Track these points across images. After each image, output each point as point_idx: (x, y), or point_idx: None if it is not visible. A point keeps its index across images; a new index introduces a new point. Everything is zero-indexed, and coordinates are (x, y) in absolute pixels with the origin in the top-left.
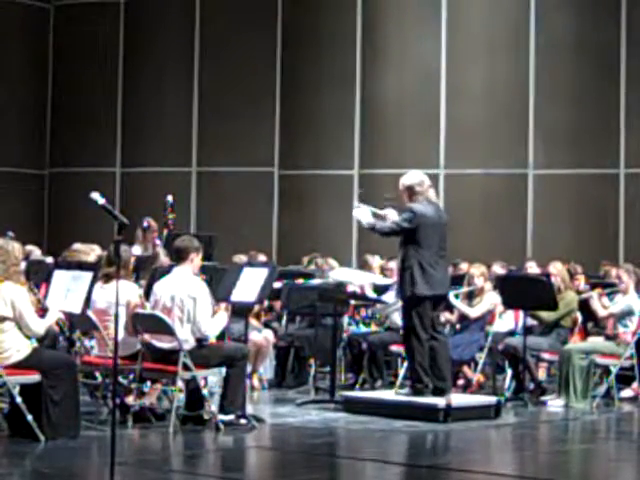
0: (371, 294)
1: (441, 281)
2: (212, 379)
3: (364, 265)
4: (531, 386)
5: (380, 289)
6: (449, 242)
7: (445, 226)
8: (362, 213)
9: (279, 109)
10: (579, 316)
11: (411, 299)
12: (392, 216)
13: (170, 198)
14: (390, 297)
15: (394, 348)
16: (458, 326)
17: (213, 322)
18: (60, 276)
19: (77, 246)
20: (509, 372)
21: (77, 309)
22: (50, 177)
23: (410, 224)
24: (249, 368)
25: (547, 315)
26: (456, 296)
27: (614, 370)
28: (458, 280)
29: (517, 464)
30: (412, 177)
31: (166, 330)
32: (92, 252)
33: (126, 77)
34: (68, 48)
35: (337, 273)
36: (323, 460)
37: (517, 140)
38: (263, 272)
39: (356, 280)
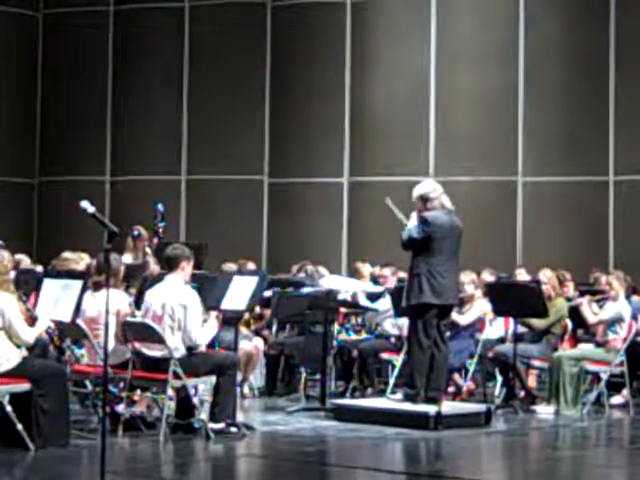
0: (364, 302)
1: (450, 290)
2: (202, 387)
3: (354, 272)
4: (521, 393)
5: (372, 297)
6: None
7: (459, 234)
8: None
9: (269, 117)
10: (569, 323)
11: (418, 307)
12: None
13: (161, 206)
14: (382, 304)
15: (385, 356)
16: (448, 333)
17: (204, 330)
18: (50, 285)
19: (67, 255)
20: (499, 379)
21: (67, 318)
22: (39, 185)
23: (421, 235)
24: (239, 376)
25: (537, 322)
26: None
27: (604, 377)
28: None
29: (507, 471)
30: (424, 186)
31: (156, 338)
32: (82, 261)
33: (115, 85)
34: (57, 56)
35: (327, 281)
36: (314, 468)
37: (506, 147)
38: (253, 280)
39: (346, 288)
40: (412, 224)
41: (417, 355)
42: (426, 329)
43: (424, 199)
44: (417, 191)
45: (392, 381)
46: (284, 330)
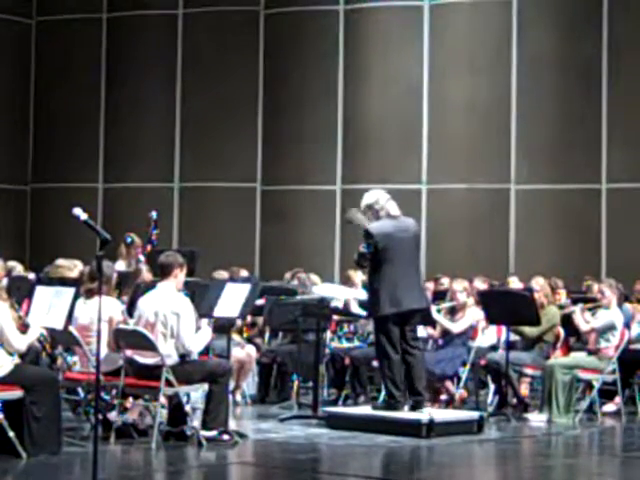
0: (357, 310)
1: (409, 296)
2: (195, 395)
3: (347, 280)
4: (514, 401)
5: (364, 304)
6: (431, 257)
7: (412, 238)
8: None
9: (262, 124)
10: (562, 331)
11: (377, 320)
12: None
13: (154, 214)
14: None
15: (377, 363)
16: (441, 341)
17: (197, 338)
18: (42, 292)
19: (60, 262)
20: (492, 387)
21: (59, 325)
22: (32, 192)
23: (370, 249)
24: (232, 384)
25: (530, 330)
26: (438, 311)
27: (597, 385)
28: (440, 295)
29: (500, 479)
30: (368, 197)
31: (148, 346)
32: (75, 268)
33: (108, 92)
34: (50, 63)
35: (320, 288)
36: (306, 476)
37: (499, 155)
38: (245, 288)
39: (339, 295)
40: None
41: (386, 366)
42: (390, 340)
43: (370, 210)
44: (363, 203)
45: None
46: (277, 338)
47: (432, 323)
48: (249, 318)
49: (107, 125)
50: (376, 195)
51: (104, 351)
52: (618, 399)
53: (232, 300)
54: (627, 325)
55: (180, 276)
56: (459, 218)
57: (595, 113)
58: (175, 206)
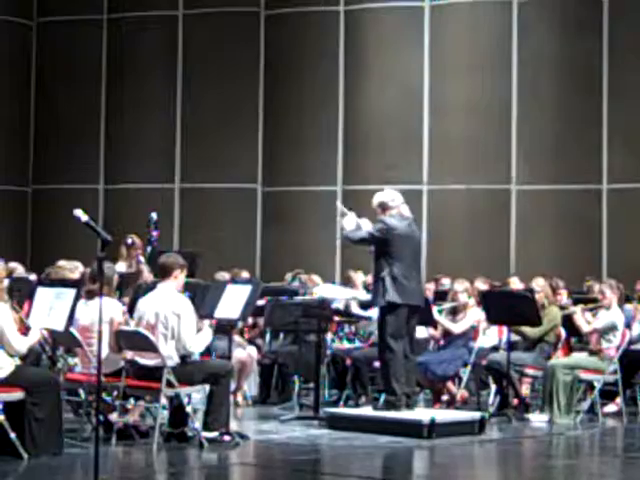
0: (357, 310)
1: (414, 292)
2: (196, 396)
3: (347, 281)
4: (515, 402)
5: (365, 305)
6: (432, 258)
7: (418, 241)
8: (348, 221)
9: (262, 125)
10: (563, 331)
11: (384, 308)
12: (365, 225)
13: (154, 215)
14: (374, 313)
15: (378, 364)
16: (442, 342)
17: (198, 339)
18: (43, 293)
19: (62, 263)
20: (493, 388)
21: (60, 326)
22: (33, 194)
23: (381, 234)
24: (233, 385)
25: (531, 331)
26: (440, 312)
27: (598, 385)
28: (441, 296)
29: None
30: (384, 195)
31: (149, 347)
32: (76, 269)
33: (109, 93)
34: (51, 64)
35: (321, 289)
36: (307, 477)
37: (500, 156)
38: (247, 289)
39: (340, 296)
40: (365, 226)
41: (390, 360)
42: (396, 332)
43: (383, 207)
44: (376, 199)
45: None
46: (278, 339)
47: (431, 323)
48: (250, 319)
49: (108, 126)
50: (392, 194)
51: (105, 352)
52: (619, 400)
53: (233, 301)
54: (628, 325)
55: (180, 277)
56: (460, 219)
57: (596, 113)
58: (176, 207)
